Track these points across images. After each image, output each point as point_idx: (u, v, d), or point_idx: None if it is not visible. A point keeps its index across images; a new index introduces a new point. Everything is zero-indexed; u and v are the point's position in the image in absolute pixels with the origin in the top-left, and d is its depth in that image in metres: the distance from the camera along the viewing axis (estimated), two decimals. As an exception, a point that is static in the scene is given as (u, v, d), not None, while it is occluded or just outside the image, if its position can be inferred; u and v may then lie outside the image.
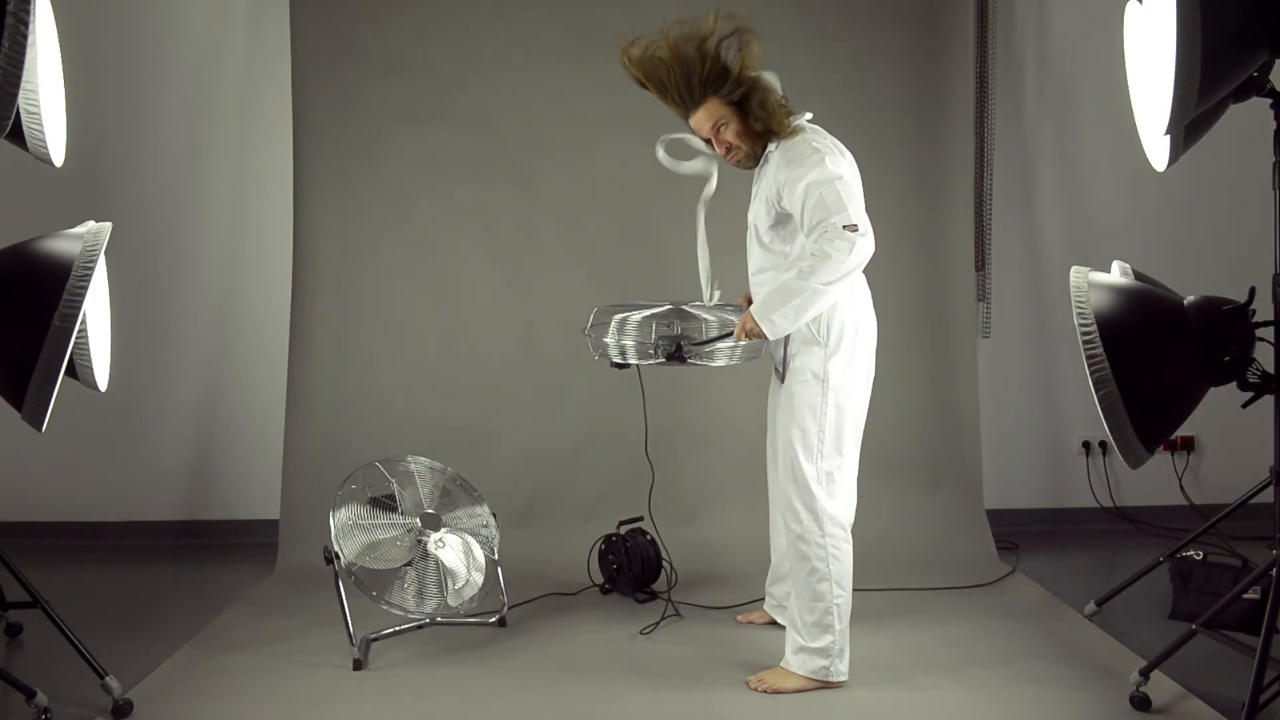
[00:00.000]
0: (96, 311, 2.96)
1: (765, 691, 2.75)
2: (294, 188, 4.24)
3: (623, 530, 3.60)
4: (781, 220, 2.78)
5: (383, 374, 4.25)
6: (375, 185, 4.26)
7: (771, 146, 2.81)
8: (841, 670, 2.77)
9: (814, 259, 2.57)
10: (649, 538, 3.55)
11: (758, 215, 2.85)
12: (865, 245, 2.57)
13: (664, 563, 3.54)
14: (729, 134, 2.78)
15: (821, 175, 2.62)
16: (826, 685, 2.77)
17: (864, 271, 2.68)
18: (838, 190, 2.59)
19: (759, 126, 2.75)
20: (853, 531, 2.88)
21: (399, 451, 3.36)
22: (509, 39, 4.25)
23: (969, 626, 3.29)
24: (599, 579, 3.66)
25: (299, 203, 4.24)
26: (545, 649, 3.14)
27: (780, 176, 2.71)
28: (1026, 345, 4.50)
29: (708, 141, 2.84)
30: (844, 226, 2.54)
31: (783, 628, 3.03)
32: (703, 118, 2.77)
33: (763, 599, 3.33)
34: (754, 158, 2.83)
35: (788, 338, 2.78)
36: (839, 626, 2.77)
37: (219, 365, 4.48)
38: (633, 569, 3.53)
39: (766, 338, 2.67)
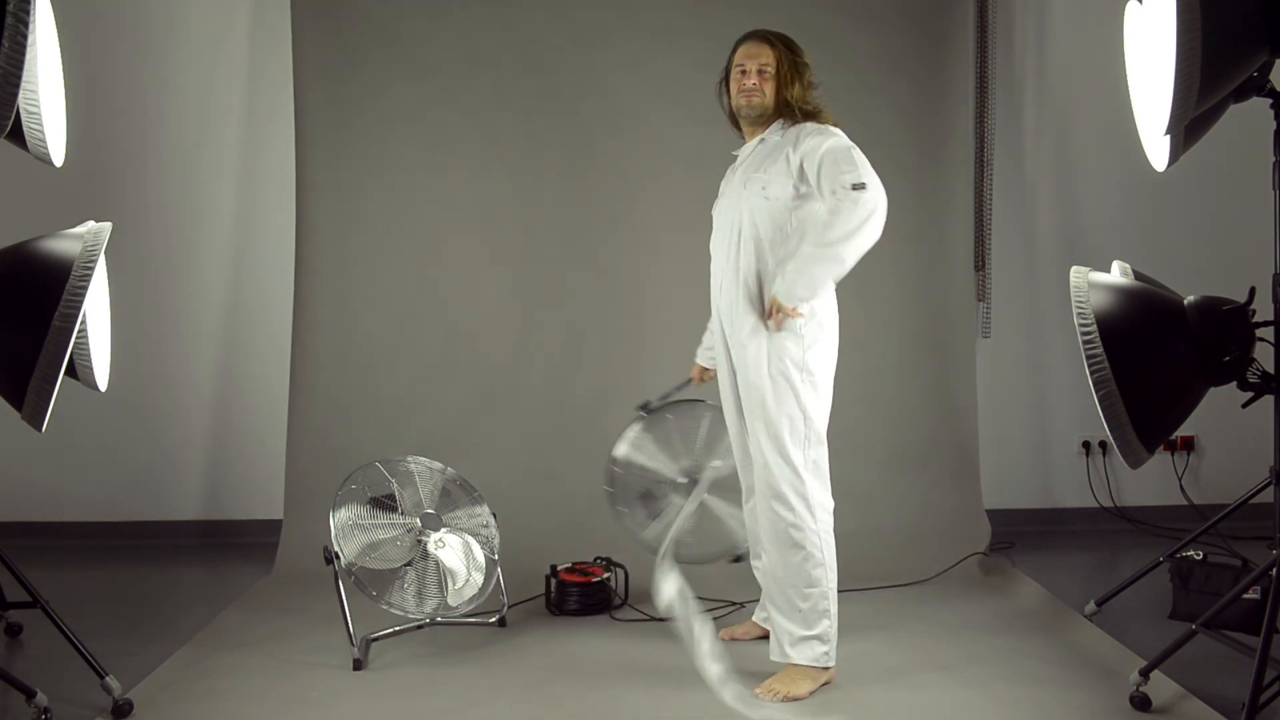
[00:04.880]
0: (96, 311, 2.96)
1: (781, 701, 2.71)
2: (296, 188, 4.25)
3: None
4: (806, 195, 2.82)
5: (383, 374, 4.25)
6: (376, 186, 4.27)
7: (775, 133, 2.88)
8: (833, 656, 2.78)
9: (829, 216, 2.68)
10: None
11: (773, 193, 2.83)
12: (874, 197, 2.65)
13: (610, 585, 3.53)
14: (770, 77, 2.87)
15: (838, 143, 2.76)
16: (825, 671, 2.77)
17: (864, 266, 2.72)
18: (851, 154, 2.72)
19: (787, 95, 2.87)
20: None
21: (399, 451, 3.36)
22: (508, 38, 4.26)
23: (968, 626, 3.29)
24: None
25: (300, 203, 4.24)
26: (545, 649, 3.14)
27: (803, 146, 2.80)
28: (1026, 345, 4.51)
29: (741, 73, 2.89)
30: (853, 185, 2.65)
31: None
32: (768, 53, 2.87)
33: (735, 608, 3.31)
34: (761, 112, 2.89)
35: (764, 329, 2.78)
36: (833, 610, 2.78)
37: (219, 366, 4.48)
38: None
39: (800, 315, 2.73)
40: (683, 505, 3.26)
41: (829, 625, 2.77)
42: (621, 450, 3.34)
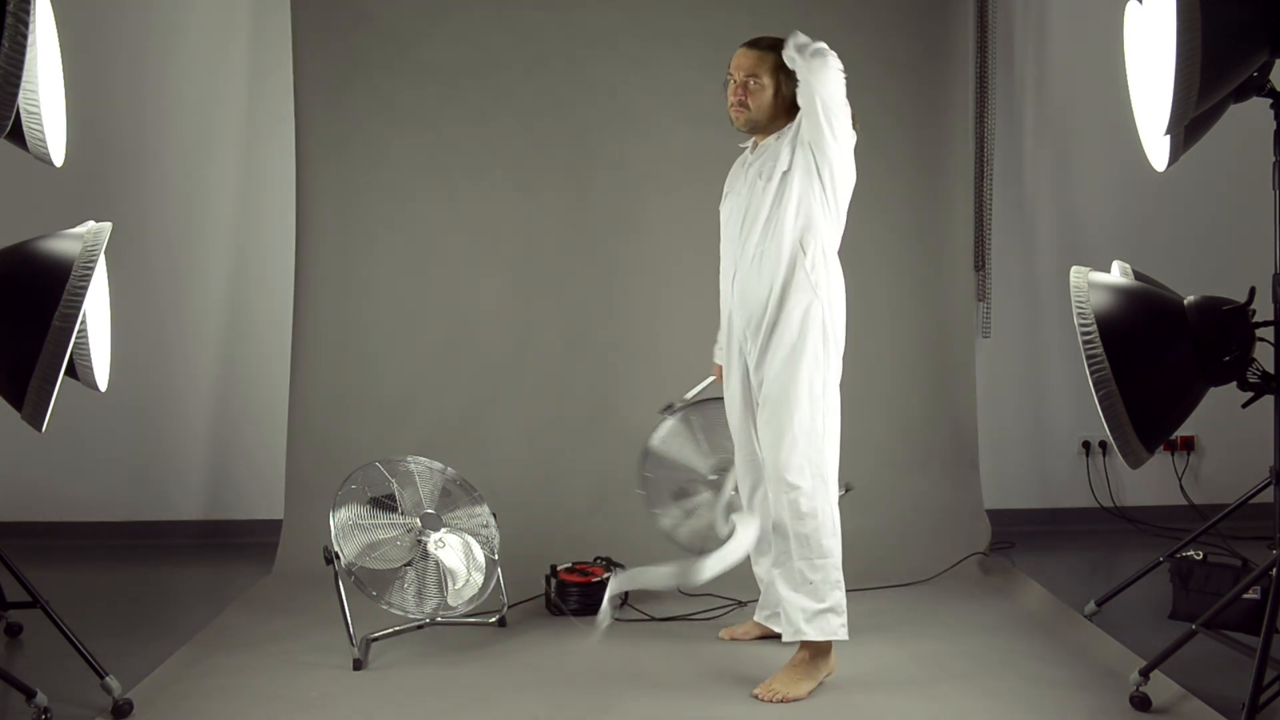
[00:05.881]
0: (96, 311, 2.96)
1: (779, 701, 2.71)
2: (296, 188, 4.25)
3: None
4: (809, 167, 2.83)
5: (383, 374, 4.25)
6: (376, 186, 4.27)
7: (788, 130, 2.88)
8: (847, 629, 2.78)
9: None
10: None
11: (795, 182, 2.83)
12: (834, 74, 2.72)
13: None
14: (756, 88, 2.86)
15: None
16: (825, 668, 2.77)
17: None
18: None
19: (786, 96, 2.86)
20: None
21: (399, 451, 3.36)
22: (510, 40, 4.26)
23: (968, 627, 3.29)
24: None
25: (301, 203, 4.24)
26: (545, 649, 3.14)
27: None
28: (1026, 345, 4.51)
29: (726, 84, 2.92)
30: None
31: (776, 636, 3.00)
32: (753, 61, 2.87)
33: (735, 607, 3.31)
34: (751, 125, 2.91)
35: (784, 295, 2.79)
36: (843, 582, 2.78)
37: (220, 366, 4.48)
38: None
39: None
40: (714, 501, 3.29)
41: (841, 596, 2.77)
42: (654, 447, 3.36)
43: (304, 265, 4.24)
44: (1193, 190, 4.38)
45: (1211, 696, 2.60)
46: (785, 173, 2.81)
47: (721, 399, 3.17)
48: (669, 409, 3.37)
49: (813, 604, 2.75)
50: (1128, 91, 2.80)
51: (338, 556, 3.05)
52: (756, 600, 3.25)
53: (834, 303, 2.83)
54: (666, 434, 3.37)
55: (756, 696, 2.73)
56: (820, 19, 4.07)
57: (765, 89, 2.86)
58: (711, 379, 3.30)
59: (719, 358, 3.21)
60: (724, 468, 3.29)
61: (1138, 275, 2.76)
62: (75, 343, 2.60)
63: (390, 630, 3.17)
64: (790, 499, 2.77)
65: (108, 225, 2.69)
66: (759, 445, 2.95)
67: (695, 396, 3.36)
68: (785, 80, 2.85)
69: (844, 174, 2.84)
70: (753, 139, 3.01)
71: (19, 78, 2.20)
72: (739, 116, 2.91)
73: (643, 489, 3.39)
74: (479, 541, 3.22)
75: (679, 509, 3.34)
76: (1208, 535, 3.29)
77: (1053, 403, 4.52)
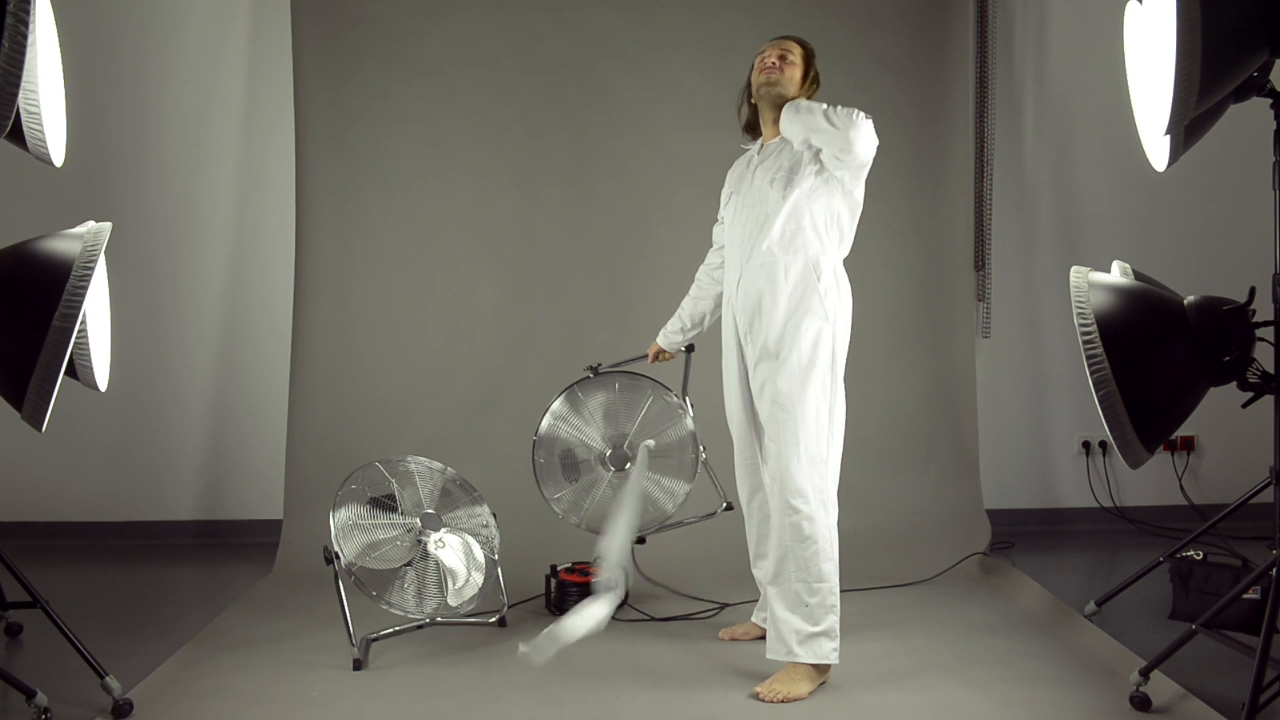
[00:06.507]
0: (96, 311, 2.96)
1: (781, 702, 2.71)
2: (296, 188, 4.25)
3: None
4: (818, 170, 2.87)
5: (383, 375, 4.25)
6: (376, 186, 4.27)
7: (780, 140, 2.91)
8: (839, 653, 2.78)
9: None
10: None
11: (806, 185, 2.86)
12: (867, 123, 2.78)
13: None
14: (791, 61, 2.95)
15: None
16: (825, 670, 2.78)
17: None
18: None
19: (806, 92, 2.98)
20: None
21: (399, 451, 3.36)
22: (509, 40, 4.26)
23: (968, 626, 3.29)
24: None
25: (300, 203, 4.25)
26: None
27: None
28: (1026, 345, 4.51)
29: (762, 58, 2.97)
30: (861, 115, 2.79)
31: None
32: (788, 43, 2.99)
33: (718, 609, 3.30)
34: (777, 94, 2.93)
35: (795, 315, 2.81)
36: (838, 607, 2.78)
37: (220, 366, 4.48)
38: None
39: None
40: (605, 476, 3.34)
41: (835, 621, 2.77)
42: (544, 429, 3.36)
43: (304, 265, 4.25)
44: (1193, 190, 4.39)
45: (1211, 696, 2.60)
46: (809, 190, 2.83)
47: (640, 375, 3.33)
48: (594, 369, 3.40)
49: (807, 627, 2.76)
50: (1128, 91, 2.80)
51: (338, 556, 3.05)
52: (745, 602, 3.25)
53: (841, 325, 2.85)
54: (556, 414, 3.37)
55: (757, 696, 2.73)
56: (820, 19, 4.10)
57: (797, 66, 2.95)
58: (644, 357, 3.40)
59: (662, 340, 3.35)
60: (618, 445, 3.33)
61: (1138, 275, 2.76)
62: (75, 343, 2.60)
63: (390, 630, 3.17)
64: (793, 521, 2.77)
65: (108, 225, 2.69)
66: (759, 451, 2.96)
67: (622, 366, 3.40)
68: (812, 77, 2.97)
69: (858, 201, 2.92)
70: (759, 140, 3.01)
71: (19, 78, 2.20)
72: (769, 79, 2.93)
73: (536, 472, 3.38)
74: (479, 541, 3.22)
75: (562, 470, 3.36)
76: (1208, 535, 3.29)
77: (1053, 403, 4.52)
